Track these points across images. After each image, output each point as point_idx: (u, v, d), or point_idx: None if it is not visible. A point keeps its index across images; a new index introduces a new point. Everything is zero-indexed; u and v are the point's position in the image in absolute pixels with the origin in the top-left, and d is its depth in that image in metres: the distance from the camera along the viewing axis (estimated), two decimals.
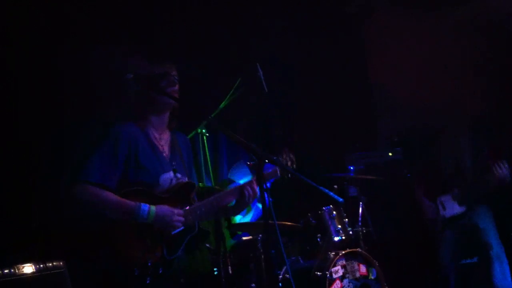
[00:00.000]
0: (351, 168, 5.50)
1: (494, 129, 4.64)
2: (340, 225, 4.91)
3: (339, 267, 4.54)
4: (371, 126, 6.76)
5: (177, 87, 3.16)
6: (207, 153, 4.22)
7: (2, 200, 3.94)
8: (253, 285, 4.47)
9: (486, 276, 4.61)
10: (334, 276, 4.49)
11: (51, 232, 4.04)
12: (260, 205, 5.00)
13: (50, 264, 2.95)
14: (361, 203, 5.33)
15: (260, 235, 4.49)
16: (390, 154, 5.98)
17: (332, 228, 4.87)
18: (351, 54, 6.60)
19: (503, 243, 4.65)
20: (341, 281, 4.51)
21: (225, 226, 4.41)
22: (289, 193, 5.22)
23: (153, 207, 2.91)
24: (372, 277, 4.64)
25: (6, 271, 2.83)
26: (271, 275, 4.16)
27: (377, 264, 4.65)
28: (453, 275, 4.78)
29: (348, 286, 4.53)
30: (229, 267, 3.96)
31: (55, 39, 4.29)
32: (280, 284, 4.31)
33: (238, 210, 3.40)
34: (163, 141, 3.19)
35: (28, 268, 2.90)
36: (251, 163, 3.53)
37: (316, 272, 4.52)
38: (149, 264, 2.85)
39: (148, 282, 2.85)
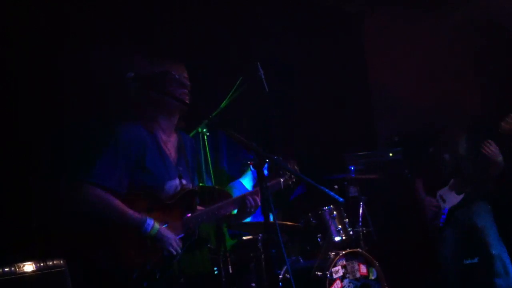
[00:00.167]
0: (351, 168, 5.50)
1: (494, 129, 4.63)
2: (340, 225, 4.91)
3: (339, 267, 4.53)
4: (371, 126, 6.77)
5: (187, 90, 3.12)
6: (208, 153, 4.21)
7: (2, 200, 3.94)
8: (253, 284, 4.47)
9: (487, 276, 4.60)
10: (335, 276, 4.49)
11: (51, 232, 4.02)
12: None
13: (51, 263, 2.95)
14: (361, 203, 5.34)
15: (261, 235, 4.49)
16: (390, 154, 5.99)
17: (332, 228, 4.87)
18: (351, 54, 6.61)
19: (504, 242, 4.64)
20: (342, 281, 4.51)
21: (225, 226, 4.41)
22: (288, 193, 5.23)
23: (156, 225, 2.87)
24: (373, 277, 4.64)
25: (6, 269, 2.82)
26: (271, 275, 4.14)
27: (378, 264, 4.65)
28: (453, 275, 4.78)
29: (349, 286, 4.53)
30: (229, 266, 3.95)
31: (55, 39, 4.29)
32: (280, 284, 4.29)
33: (239, 219, 3.40)
34: (170, 143, 3.15)
35: (28, 267, 2.90)
36: (252, 162, 3.52)
37: (316, 272, 4.52)
38: (148, 267, 2.83)
39: (145, 285, 2.83)
